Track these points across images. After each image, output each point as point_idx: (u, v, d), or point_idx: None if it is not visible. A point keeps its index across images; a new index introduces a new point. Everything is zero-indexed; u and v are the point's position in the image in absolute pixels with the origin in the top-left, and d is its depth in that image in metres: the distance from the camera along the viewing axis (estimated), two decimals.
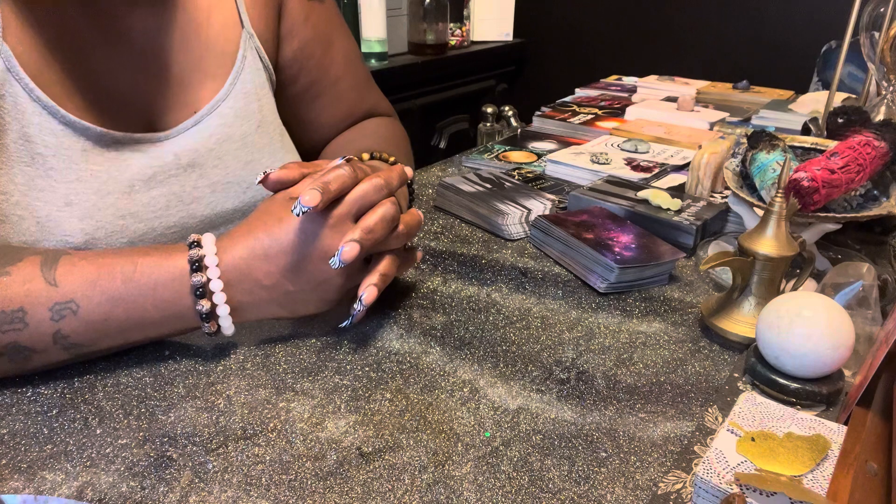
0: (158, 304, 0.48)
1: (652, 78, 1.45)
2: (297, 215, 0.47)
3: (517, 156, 1.00)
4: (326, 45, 0.77)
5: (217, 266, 0.49)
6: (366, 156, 0.62)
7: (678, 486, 0.40)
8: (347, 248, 0.48)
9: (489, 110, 1.84)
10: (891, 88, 0.82)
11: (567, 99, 1.31)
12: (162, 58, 0.63)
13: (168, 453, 0.42)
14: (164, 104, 0.63)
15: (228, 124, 0.66)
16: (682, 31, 2.00)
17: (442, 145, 2.08)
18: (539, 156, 1.00)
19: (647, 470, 0.42)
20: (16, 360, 0.46)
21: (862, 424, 0.44)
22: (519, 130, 1.18)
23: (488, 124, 1.85)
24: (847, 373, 0.50)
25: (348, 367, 0.51)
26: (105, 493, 0.39)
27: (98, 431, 0.44)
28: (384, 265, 0.53)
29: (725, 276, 0.65)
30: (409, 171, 0.57)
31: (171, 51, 0.63)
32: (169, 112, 0.63)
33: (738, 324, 0.55)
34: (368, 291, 0.51)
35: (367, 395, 0.48)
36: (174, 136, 0.63)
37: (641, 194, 0.77)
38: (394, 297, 0.61)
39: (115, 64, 0.60)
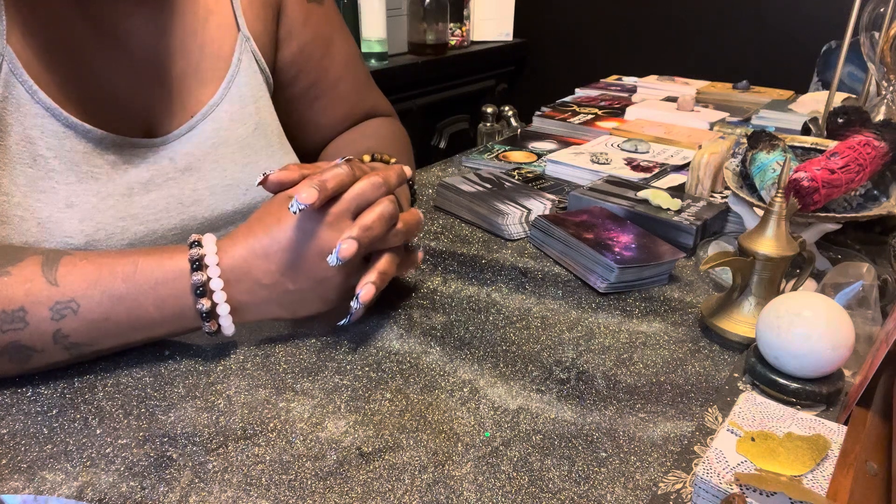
0: (159, 304, 0.48)
1: (652, 78, 1.45)
2: (294, 213, 0.47)
3: (517, 156, 1.00)
4: (326, 47, 0.77)
5: (217, 265, 0.49)
6: (366, 157, 0.62)
7: (678, 486, 0.40)
8: (345, 246, 0.48)
9: (489, 110, 1.84)
10: (891, 88, 0.82)
11: (567, 99, 1.31)
12: (160, 62, 0.63)
13: (168, 453, 0.42)
14: (161, 109, 0.63)
15: (224, 128, 0.66)
16: (682, 31, 2.00)
17: (442, 145, 2.08)
18: (539, 156, 1.00)
19: (647, 470, 0.42)
20: (16, 360, 0.47)
21: (862, 424, 0.44)
22: (519, 130, 1.18)
23: (488, 124, 1.84)
24: (847, 373, 0.50)
25: (348, 367, 0.52)
26: (105, 493, 0.39)
27: (98, 431, 0.44)
28: (383, 263, 0.53)
29: (725, 276, 0.65)
30: (408, 170, 0.57)
31: (168, 55, 0.63)
32: (167, 117, 0.63)
33: (738, 324, 0.55)
34: (366, 289, 0.51)
35: (367, 395, 0.48)
36: (170, 141, 0.63)
37: (641, 194, 0.77)
38: (394, 297, 0.61)
39: (114, 68, 0.60)
